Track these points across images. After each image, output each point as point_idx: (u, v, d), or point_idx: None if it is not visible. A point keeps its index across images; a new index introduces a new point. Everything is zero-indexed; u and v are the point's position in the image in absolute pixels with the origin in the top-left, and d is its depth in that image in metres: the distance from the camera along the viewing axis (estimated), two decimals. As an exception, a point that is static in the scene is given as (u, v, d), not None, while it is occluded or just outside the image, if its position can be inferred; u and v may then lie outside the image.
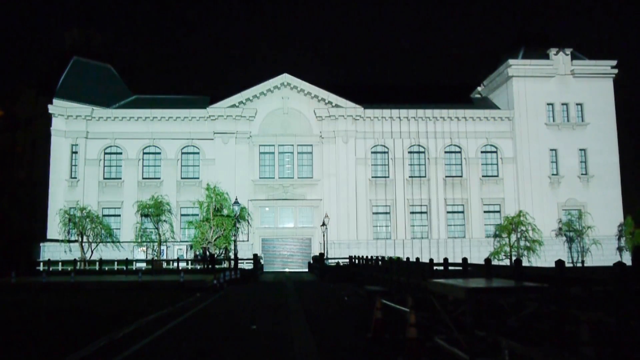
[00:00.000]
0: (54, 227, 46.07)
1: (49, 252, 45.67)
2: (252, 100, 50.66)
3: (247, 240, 47.86)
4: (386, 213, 50.69)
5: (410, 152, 51.55)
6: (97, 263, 41.38)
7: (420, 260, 21.01)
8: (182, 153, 50.60)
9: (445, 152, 51.67)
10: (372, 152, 51.25)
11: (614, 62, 52.57)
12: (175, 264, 42.72)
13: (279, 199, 49.90)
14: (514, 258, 44.94)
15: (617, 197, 50.98)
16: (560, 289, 9.79)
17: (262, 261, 45.55)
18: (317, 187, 50.16)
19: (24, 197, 49.65)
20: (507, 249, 46.76)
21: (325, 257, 40.77)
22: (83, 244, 44.60)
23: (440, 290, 9.24)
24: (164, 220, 46.88)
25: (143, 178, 50.00)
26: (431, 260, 17.95)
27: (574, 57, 52.59)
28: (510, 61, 52.06)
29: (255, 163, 50.39)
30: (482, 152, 51.83)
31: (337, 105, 50.49)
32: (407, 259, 21.89)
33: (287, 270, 48.52)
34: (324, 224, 45.66)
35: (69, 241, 45.51)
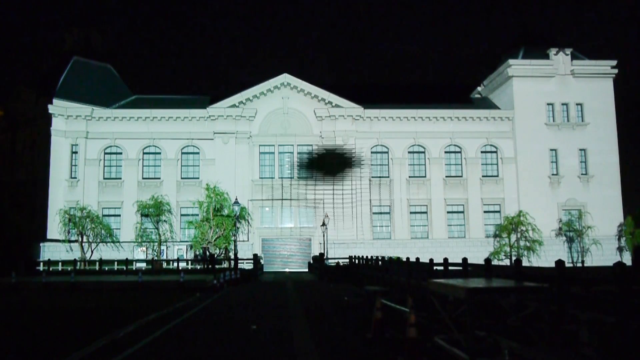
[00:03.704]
0: (54, 227, 46.07)
1: (49, 252, 45.69)
2: (252, 100, 50.67)
3: (247, 240, 47.87)
4: (386, 213, 50.71)
5: (410, 152, 51.57)
6: (97, 263, 41.40)
7: (420, 260, 21.01)
8: (182, 153, 50.62)
9: (445, 152, 51.68)
10: (372, 152, 51.26)
11: (614, 62, 52.60)
12: (175, 264, 42.72)
13: (279, 199, 49.91)
14: (514, 258, 44.96)
15: (617, 197, 51.00)
16: (560, 289, 9.79)
17: (262, 261, 45.56)
18: (317, 186, 50.15)
19: (24, 197, 49.66)
20: (507, 249, 46.80)
21: (325, 257, 40.78)
22: (83, 244, 44.62)
23: (440, 290, 9.25)
24: (164, 220, 46.89)
25: (143, 178, 50.02)
26: (431, 260, 17.95)
27: (574, 57, 52.62)
28: (510, 61, 52.08)
29: (255, 163, 50.41)
30: (482, 152, 51.84)
31: (337, 105, 50.50)
32: (407, 259, 21.89)
33: (287, 270, 48.53)
34: (324, 224, 45.68)
35: (69, 241, 45.54)
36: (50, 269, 39.55)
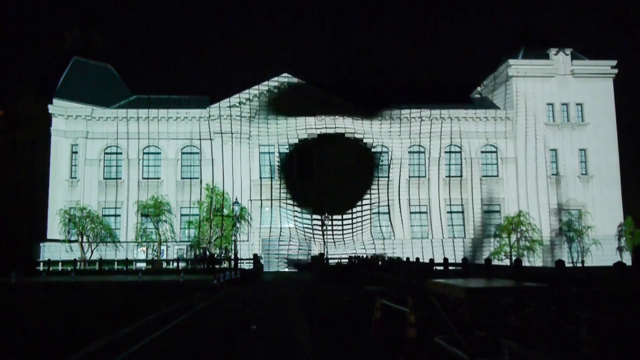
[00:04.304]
0: (54, 227, 46.07)
1: (49, 252, 45.67)
2: (252, 100, 50.67)
3: (247, 240, 47.87)
4: (386, 213, 50.69)
5: (410, 152, 51.57)
6: (97, 263, 41.42)
7: (420, 260, 21.02)
8: (182, 153, 50.63)
9: (445, 152, 51.69)
10: (372, 152, 51.26)
11: (614, 62, 52.60)
12: (175, 264, 42.72)
13: (279, 199, 49.89)
14: (514, 258, 44.96)
15: (617, 197, 50.99)
16: (560, 289, 9.79)
17: (262, 261, 45.55)
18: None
19: (24, 197, 49.64)
20: (507, 249, 46.79)
21: (325, 257, 40.77)
22: (83, 244, 44.62)
23: (440, 290, 9.24)
24: (164, 220, 46.89)
25: (143, 178, 50.02)
26: (431, 260, 17.96)
27: (574, 57, 52.62)
28: (510, 61, 52.08)
29: (255, 163, 50.41)
30: (482, 152, 51.85)
31: (337, 105, 50.51)
32: (407, 259, 21.89)
33: (287, 270, 48.51)
34: (324, 224, 45.67)
35: (69, 241, 45.53)
36: (50, 269, 39.55)
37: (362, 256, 35.25)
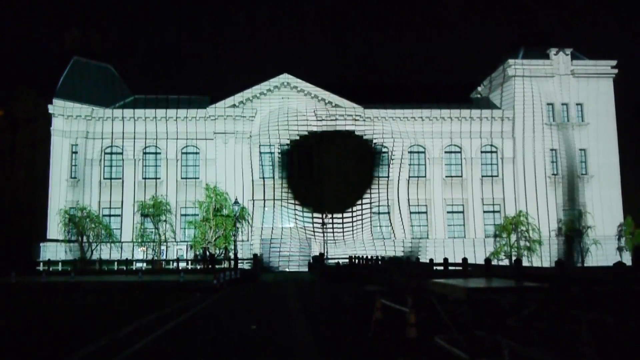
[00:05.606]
0: (54, 227, 46.07)
1: (49, 252, 45.69)
2: (252, 100, 50.68)
3: (247, 240, 47.87)
4: (386, 213, 50.69)
5: (410, 152, 51.57)
6: (97, 263, 41.43)
7: (420, 260, 21.02)
8: (182, 153, 50.64)
9: (445, 152, 51.71)
10: (372, 152, 51.25)
11: (614, 62, 52.63)
12: (175, 264, 42.73)
13: (279, 198, 49.90)
14: (514, 258, 44.98)
15: (617, 197, 51.02)
16: (560, 289, 9.79)
17: (262, 260, 45.54)
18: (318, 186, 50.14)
19: (24, 197, 49.64)
20: (507, 249, 46.82)
21: (325, 257, 40.77)
22: (83, 244, 44.63)
23: (440, 290, 9.25)
24: (164, 220, 46.90)
25: (143, 178, 50.03)
26: (431, 260, 17.97)
27: (574, 57, 52.63)
28: (510, 61, 52.09)
29: (256, 163, 50.43)
30: (482, 152, 51.87)
31: (337, 105, 50.52)
32: (407, 258, 21.88)
33: (287, 270, 48.50)
34: (324, 224, 45.67)
35: (69, 241, 45.54)
36: (50, 269, 39.54)
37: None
